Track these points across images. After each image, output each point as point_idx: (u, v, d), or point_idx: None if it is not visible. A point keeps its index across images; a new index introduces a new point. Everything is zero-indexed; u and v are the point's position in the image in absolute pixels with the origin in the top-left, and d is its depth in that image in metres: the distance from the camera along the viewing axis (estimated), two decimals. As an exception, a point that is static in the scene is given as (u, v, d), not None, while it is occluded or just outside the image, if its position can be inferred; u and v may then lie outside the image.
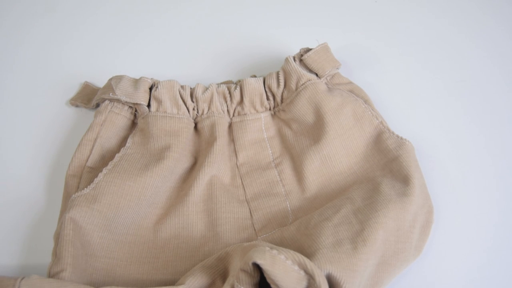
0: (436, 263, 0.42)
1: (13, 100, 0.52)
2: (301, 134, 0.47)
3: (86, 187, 0.42)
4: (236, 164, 0.47)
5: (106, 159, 0.45)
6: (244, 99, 0.47)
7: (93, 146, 0.45)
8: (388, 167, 0.44)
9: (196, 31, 0.57)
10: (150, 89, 0.47)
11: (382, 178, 0.43)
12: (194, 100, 0.47)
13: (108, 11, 0.58)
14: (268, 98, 0.48)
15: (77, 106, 0.51)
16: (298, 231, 0.40)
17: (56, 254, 0.38)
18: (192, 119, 0.47)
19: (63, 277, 0.37)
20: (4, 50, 0.55)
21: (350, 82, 0.49)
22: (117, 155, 0.44)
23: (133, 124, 0.48)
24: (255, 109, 0.48)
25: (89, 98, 0.51)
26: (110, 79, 0.48)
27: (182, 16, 0.58)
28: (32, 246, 0.42)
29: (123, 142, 0.47)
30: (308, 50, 0.49)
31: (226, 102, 0.48)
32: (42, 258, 0.40)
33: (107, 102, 0.47)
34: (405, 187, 0.41)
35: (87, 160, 0.45)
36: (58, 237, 0.39)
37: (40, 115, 0.51)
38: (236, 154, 0.47)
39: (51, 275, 0.38)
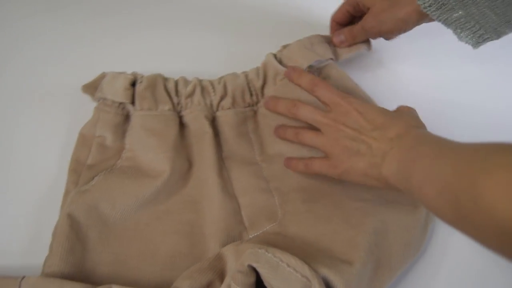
0: (436, 263, 0.42)
1: (12, 100, 0.52)
2: None
3: (85, 183, 0.42)
4: (222, 158, 0.46)
5: (104, 156, 0.45)
6: (228, 93, 0.47)
7: (91, 144, 0.45)
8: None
9: (195, 28, 0.57)
10: (134, 84, 0.46)
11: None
12: (178, 94, 0.47)
13: (108, 9, 0.59)
14: (251, 94, 0.48)
15: (86, 94, 0.49)
16: (292, 234, 0.40)
17: (52, 249, 0.39)
18: (177, 113, 0.47)
19: (55, 271, 0.38)
20: (4, 50, 0.55)
21: (342, 78, 0.49)
22: (116, 156, 0.45)
23: (128, 120, 0.47)
24: (238, 104, 0.48)
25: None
26: (100, 75, 0.47)
27: (180, 13, 0.58)
28: (32, 246, 0.43)
29: (120, 139, 0.46)
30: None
31: (210, 96, 0.47)
32: (42, 258, 0.40)
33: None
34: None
35: (85, 157, 0.45)
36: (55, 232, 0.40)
37: (40, 115, 0.51)
38: (222, 149, 0.46)
39: (45, 268, 0.39)
